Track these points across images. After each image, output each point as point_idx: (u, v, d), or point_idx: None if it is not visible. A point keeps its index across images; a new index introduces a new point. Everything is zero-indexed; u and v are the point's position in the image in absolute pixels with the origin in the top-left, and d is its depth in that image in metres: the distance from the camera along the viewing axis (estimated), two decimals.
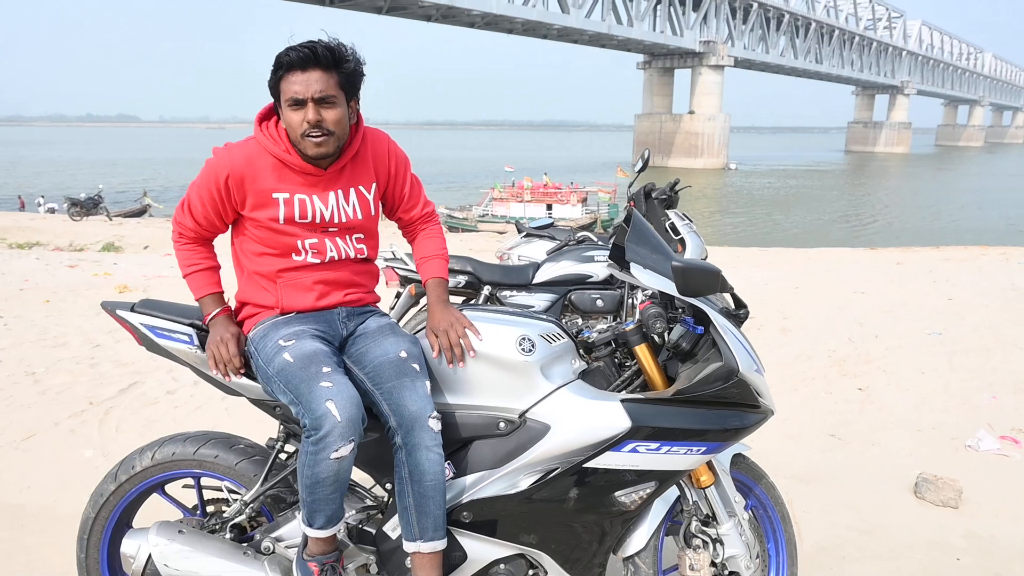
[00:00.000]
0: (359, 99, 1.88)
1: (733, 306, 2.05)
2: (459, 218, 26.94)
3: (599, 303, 4.10)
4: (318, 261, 1.90)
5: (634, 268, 1.92)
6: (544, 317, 2.01)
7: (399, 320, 4.13)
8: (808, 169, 68.52)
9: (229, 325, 1.92)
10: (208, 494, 2.15)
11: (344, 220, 1.90)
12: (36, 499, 3.14)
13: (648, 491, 1.89)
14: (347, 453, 1.68)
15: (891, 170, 67.72)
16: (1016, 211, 32.08)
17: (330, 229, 1.89)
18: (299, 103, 1.74)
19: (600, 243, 4.41)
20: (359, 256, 1.97)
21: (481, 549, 1.92)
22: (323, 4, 44.86)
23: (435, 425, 1.79)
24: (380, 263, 4.32)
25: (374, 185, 1.95)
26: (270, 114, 1.88)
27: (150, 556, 1.85)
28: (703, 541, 2.09)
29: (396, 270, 4.15)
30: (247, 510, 2.00)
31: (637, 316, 1.99)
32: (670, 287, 1.90)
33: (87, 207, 25.93)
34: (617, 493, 1.88)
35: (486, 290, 4.11)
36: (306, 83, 1.73)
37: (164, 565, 1.84)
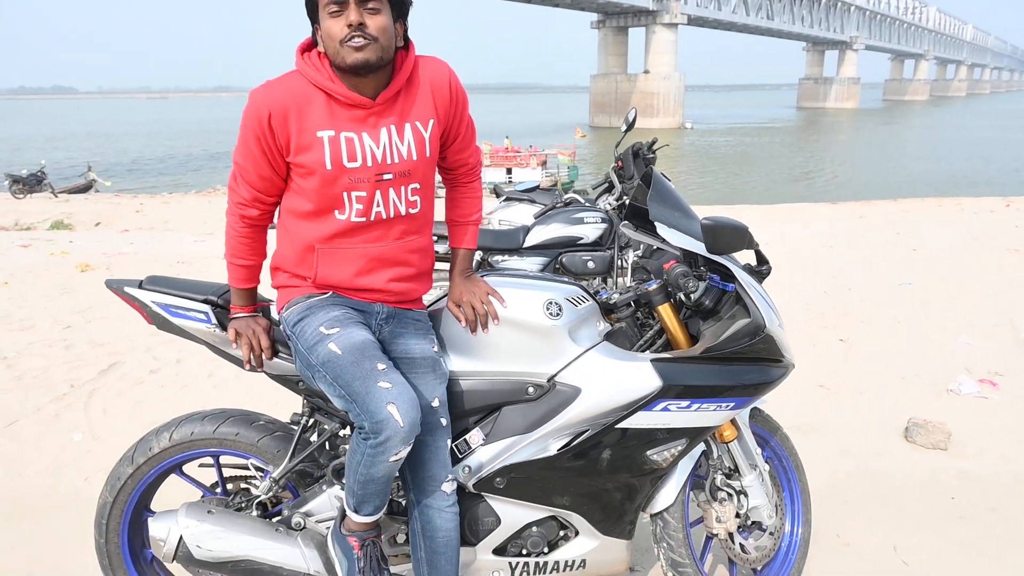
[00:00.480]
0: (407, 26, 1.70)
1: (756, 263, 2.07)
2: None
3: (590, 264, 4.10)
4: (363, 220, 1.69)
5: (660, 227, 1.91)
6: (567, 280, 2.00)
7: None
8: (762, 126, 69.22)
9: (261, 318, 1.85)
10: (226, 472, 2.11)
11: (397, 161, 1.67)
12: (31, 486, 3.05)
13: (679, 448, 1.91)
14: (405, 455, 1.65)
15: (842, 125, 68.87)
16: (962, 162, 33.04)
17: (385, 176, 1.67)
18: (341, 4, 1.55)
19: (588, 205, 4.39)
20: (411, 211, 1.74)
21: (514, 513, 1.92)
22: None
23: (449, 488, 1.77)
24: None
25: (431, 122, 1.72)
26: (310, 47, 1.69)
27: (181, 538, 1.81)
28: (728, 494, 2.13)
29: None
30: (275, 487, 1.96)
31: (663, 276, 1.98)
32: (699, 246, 1.90)
33: (30, 184, 24.80)
34: (648, 452, 1.89)
35: (477, 255, 4.08)
36: None
37: (196, 547, 1.80)
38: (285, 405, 2.69)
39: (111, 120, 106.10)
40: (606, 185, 4.60)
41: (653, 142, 4.71)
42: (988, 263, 7.12)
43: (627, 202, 2.41)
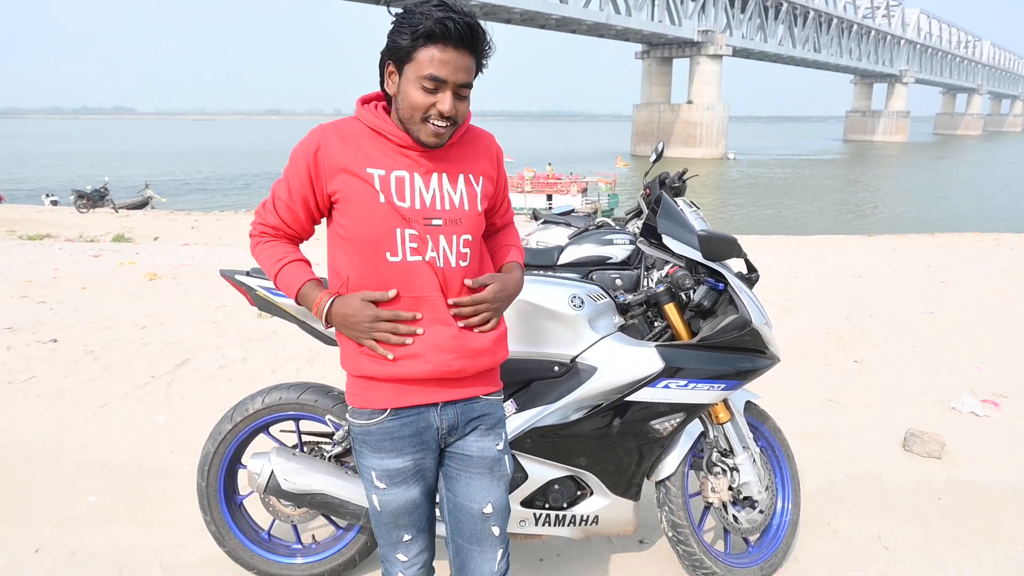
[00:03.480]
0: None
1: (747, 271, 2.47)
2: None
3: (618, 282, 4.49)
4: (418, 259, 1.57)
5: (665, 239, 2.33)
6: (589, 281, 2.41)
7: None
8: (807, 158, 68.85)
9: (351, 297, 1.59)
10: (305, 437, 2.54)
11: (448, 208, 1.59)
12: (124, 457, 3.53)
13: (678, 420, 2.29)
14: None
15: (890, 159, 68.07)
16: (1011, 199, 32.49)
17: (434, 222, 1.57)
18: (439, 84, 1.48)
19: (618, 228, 4.80)
20: (461, 263, 1.61)
21: (539, 470, 2.31)
22: None
23: None
24: None
25: (482, 179, 1.67)
26: (372, 100, 1.65)
27: (272, 473, 2.24)
28: (722, 469, 2.50)
29: None
30: (344, 443, 2.39)
31: (667, 280, 2.40)
32: (696, 253, 2.31)
33: (93, 199, 26.20)
34: (653, 422, 2.28)
35: None
36: (455, 65, 1.48)
37: (284, 479, 2.24)
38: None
39: (164, 140, 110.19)
40: (636, 211, 5.00)
41: (683, 172, 5.10)
42: (1015, 297, 7.28)
43: (644, 223, 2.82)
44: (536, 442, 2.27)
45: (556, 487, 2.33)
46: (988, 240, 13.14)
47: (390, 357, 1.58)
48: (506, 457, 1.73)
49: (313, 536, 2.71)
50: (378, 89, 1.62)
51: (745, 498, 2.53)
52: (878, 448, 3.70)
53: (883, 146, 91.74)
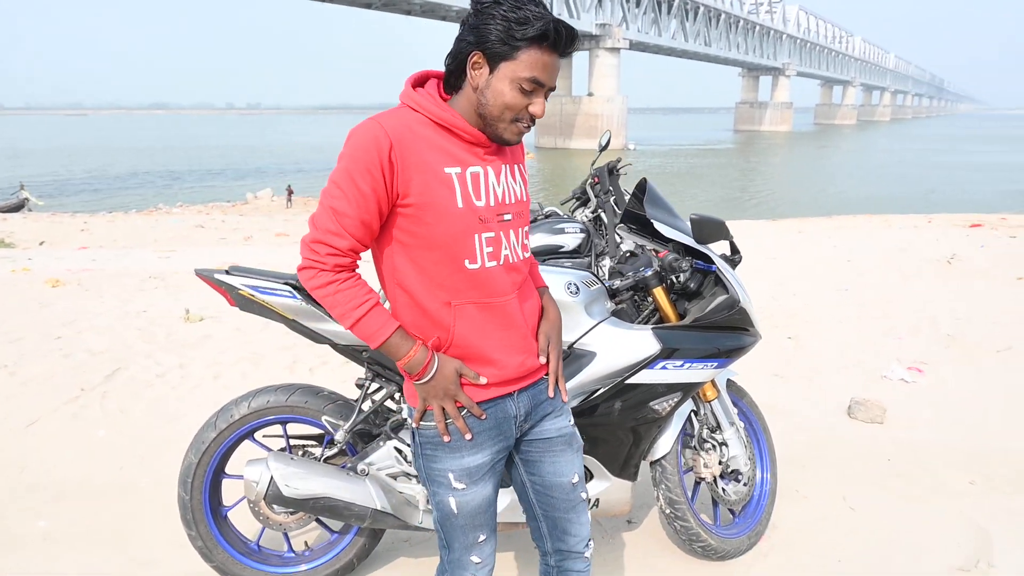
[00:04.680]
0: None
1: (731, 252, 2.55)
2: None
3: None
4: (495, 264, 1.54)
5: (657, 225, 2.37)
6: (581, 268, 2.43)
7: None
8: (703, 148, 71.68)
9: (448, 364, 1.55)
10: (292, 440, 2.43)
11: (514, 201, 1.59)
12: (65, 476, 3.27)
13: (675, 400, 2.34)
14: None
15: (778, 147, 71.92)
16: (887, 183, 35.14)
17: (505, 217, 1.56)
18: (538, 87, 1.47)
19: (567, 217, 4.85)
20: (524, 255, 1.63)
21: None
22: None
23: (588, 552, 1.79)
24: None
25: (526, 170, 1.70)
26: (422, 81, 1.58)
27: (271, 479, 2.14)
28: (712, 445, 2.59)
29: None
30: (339, 444, 2.31)
31: (657, 264, 2.44)
32: (688, 238, 2.37)
33: None
34: (651, 403, 2.32)
35: None
36: (555, 69, 1.47)
37: (285, 485, 2.13)
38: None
39: (36, 137, 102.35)
40: (580, 199, 5.06)
41: (618, 161, 5.21)
42: (912, 271, 7.89)
43: (625, 209, 2.85)
44: None
45: None
46: (878, 221, 14.13)
47: (483, 381, 1.58)
48: (577, 432, 1.79)
49: (305, 543, 2.60)
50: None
51: (733, 471, 2.63)
52: (827, 417, 3.92)
53: (770, 135, 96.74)
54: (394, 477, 2.29)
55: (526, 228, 1.62)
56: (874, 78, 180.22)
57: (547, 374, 1.71)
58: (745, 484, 2.68)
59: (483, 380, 1.57)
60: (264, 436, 2.43)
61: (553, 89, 1.51)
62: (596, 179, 4.98)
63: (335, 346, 2.28)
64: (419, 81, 1.57)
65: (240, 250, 12.03)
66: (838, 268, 8.13)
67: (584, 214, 4.89)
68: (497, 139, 1.53)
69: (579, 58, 74.04)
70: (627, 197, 4.93)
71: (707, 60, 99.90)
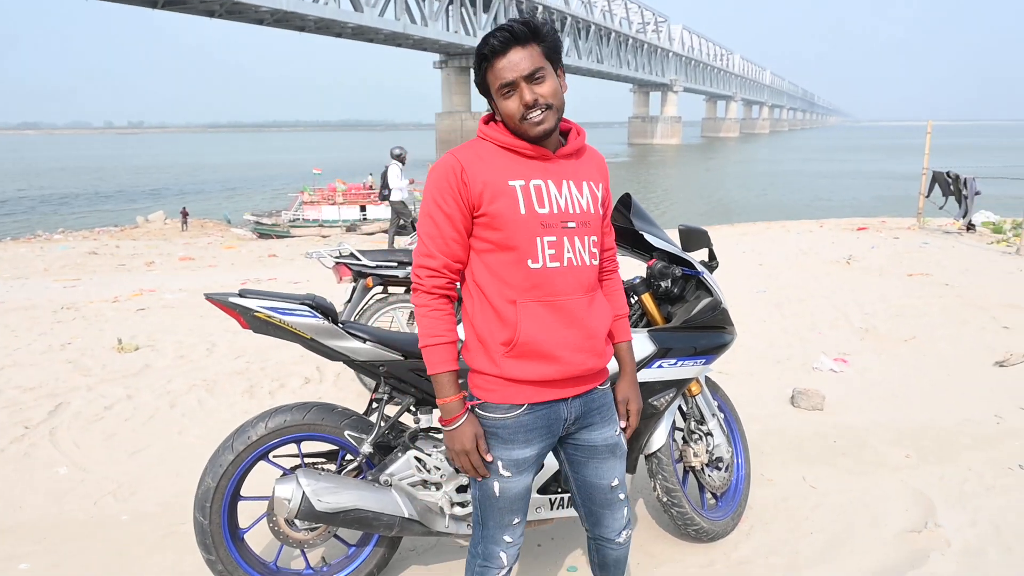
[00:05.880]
0: (563, 68, 1.79)
1: (708, 259, 2.79)
2: (268, 224, 25.24)
3: None
4: (557, 265, 1.72)
5: (647, 236, 2.58)
6: None
7: (354, 315, 4.43)
8: None
9: (471, 425, 1.76)
10: (307, 458, 2.46)
11: (578, 211, 1.75)
12: (34, 516, 3.12)
13: (671, 395, 2.55)
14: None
15: (670, 160, 75.21)
16: (777, 190, 37.53)
17: (569, 224, 1.73)
18: (510, 86, 1.66)
19: None
20: (592, 262, 1.79)
21: (551, 459, 2.45)
22: None
23: (622, 539, 1.96)
24: (328, 261, 4.60)
25: (600, 186, 1.85)
26: (491, 118, 1.80)
27: (304, 495, 2.17)
28: (699, 435, 2.81)
29: (349, 266, 4.44)
30: (357, 459, 2.36)
31: (647, 271, 2.65)
32: (675, 247, 2.59)
33: None
34: (650, 399, 2.51)
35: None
36: (512, 65, 1.65)
37: (318, 500, 2.17)
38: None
39: None
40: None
41: None
42: (818, 272, 8.56)
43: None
44: None
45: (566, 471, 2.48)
46: (777, 227, 15.13)
47: (489, 458, 1.79)
48: (623, 438, 1.94)
49: (323, 558, 2.62)
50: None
51: (716, 459, 2.86)
52: (773, 407, 4.26)
53: (662, 148, 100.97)
54: (415, 486, 2.36)
55: (594, 238, 1.79)
56: (753, 93, 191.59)
57: (601, 385, 1.89)
58: (726, 470, 2.91)
59: (490, 458, 1.77)
60: (275, 456, 2.45)
61: (535, 73, 1.66)
62: None
63: (351, 362, 2.34)
64: (490, 119, 1.82)
65: (147, 276, 11.48)
66: (751, 272, 8.70)
67: None
68: (528, 138, 1.71)
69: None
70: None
71: (600, 76, 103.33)
